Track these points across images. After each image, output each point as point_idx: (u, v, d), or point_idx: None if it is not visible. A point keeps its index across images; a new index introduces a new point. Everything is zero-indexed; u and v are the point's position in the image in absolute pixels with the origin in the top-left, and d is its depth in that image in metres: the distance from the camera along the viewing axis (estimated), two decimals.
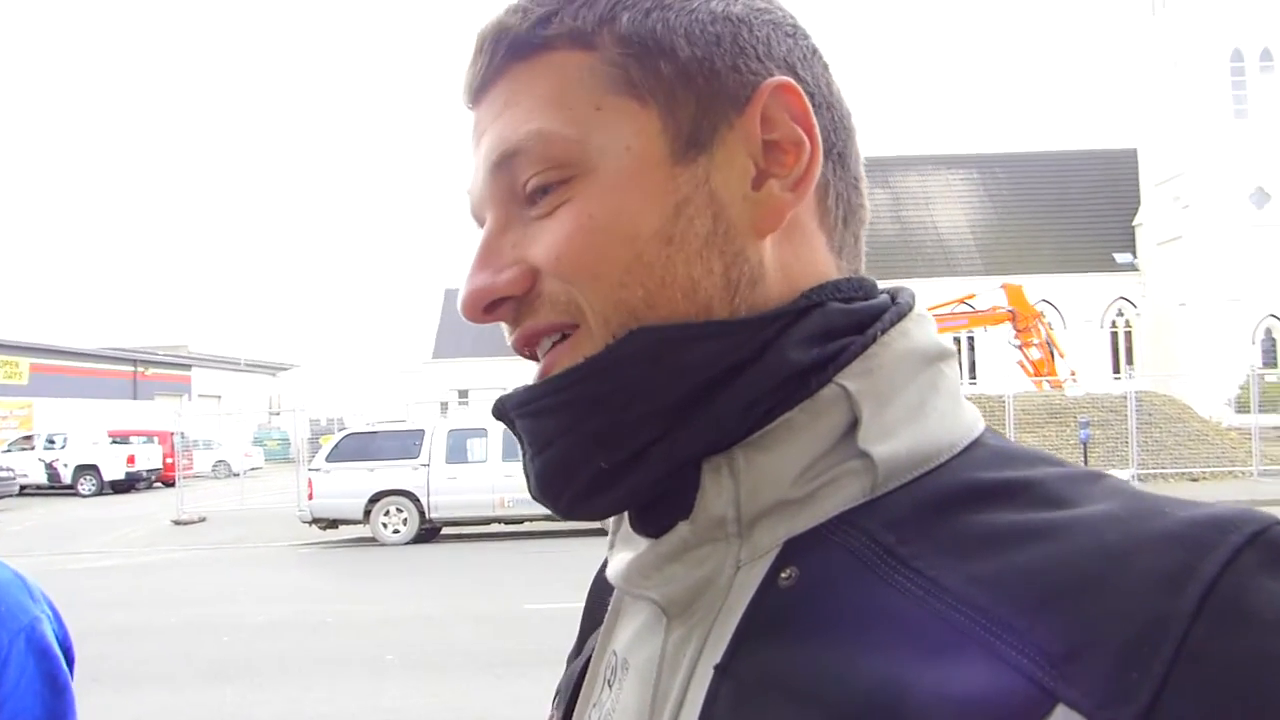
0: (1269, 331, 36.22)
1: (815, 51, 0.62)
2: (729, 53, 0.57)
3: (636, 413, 0.54)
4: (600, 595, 0.67)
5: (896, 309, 0.58)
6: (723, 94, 0.57)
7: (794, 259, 0.58)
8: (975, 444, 0.55)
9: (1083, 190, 43.79)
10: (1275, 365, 34.62)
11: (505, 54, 0.59)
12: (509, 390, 0.60)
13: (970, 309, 26.29)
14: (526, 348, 0.60)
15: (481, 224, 0.61)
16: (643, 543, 0.58)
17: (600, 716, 0.60)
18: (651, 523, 0.58)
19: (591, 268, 0.55)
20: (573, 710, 0.64)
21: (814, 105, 0.58)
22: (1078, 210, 43.14)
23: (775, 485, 0.53)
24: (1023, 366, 26.32)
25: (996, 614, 0.43)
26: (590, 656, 0.64)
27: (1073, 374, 26.24)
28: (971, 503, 0.49)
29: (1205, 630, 0.39)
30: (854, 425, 0.53)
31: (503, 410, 0.60)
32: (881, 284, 0.62)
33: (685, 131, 0.56)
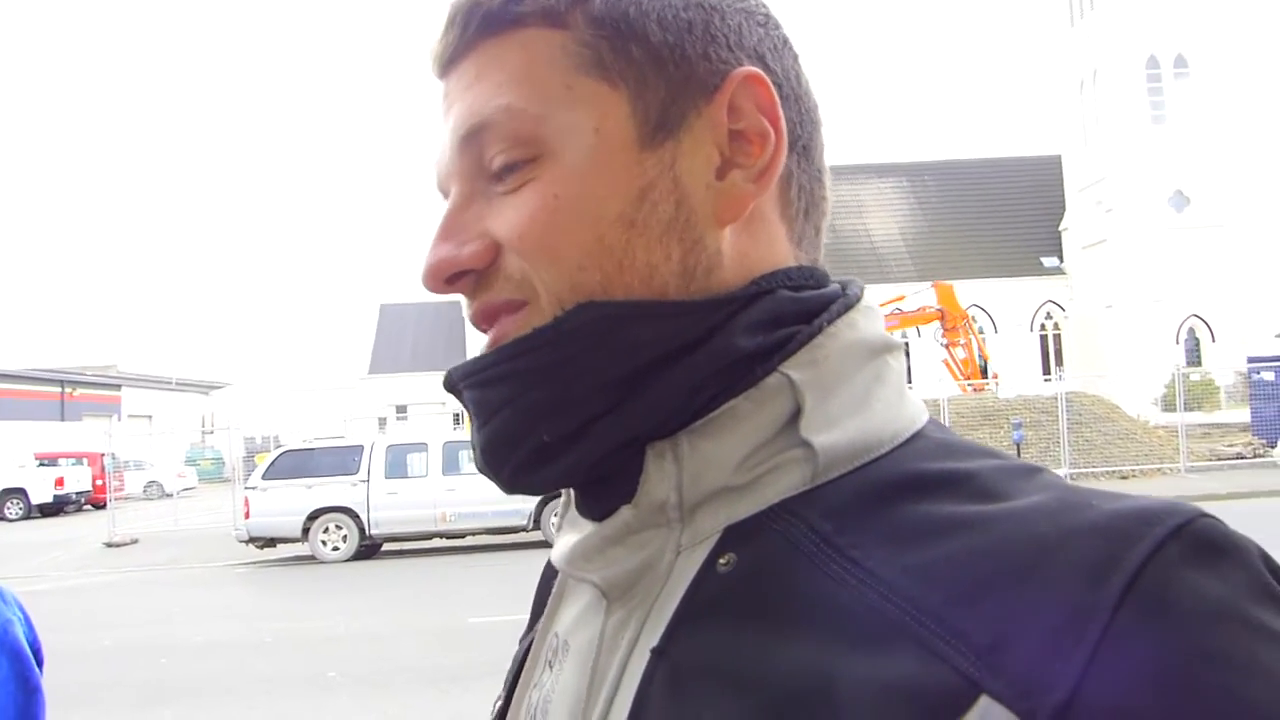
0: (1192, 331, 37.14)
1: (786, 42, 0.62)
2: (700, 40, 0.57)
3: (581, 387, 0.54)
4: (549, 579, 0.67)
5: (844, 300, 0.58)
6: (692, 80, 0.57)
7: (752, 248, 0.58)
8: (918, 435, 0.56)
9: (1010, 196, 44.60)
10: (1199, 364, 35.48)
11: (477, 27, 0.58)
12: (459, 363, 0.60)
13: (900, 311, 26.62)
14: (484, 322, 0.60)
15: (447, 196, 0.61)
16: (588, 526, 0.59)
17: (540, 697, 0.61)
18: (596, 506, 0.58)
19: (553, 248, 0.55)
20: (515, 691, 0.65)
21: (781, 97, 0.58)
22: (1006, 216, 43.92)
23: (718, 472, 0.54)
24: (948, 366, 26.63)
25: (926, 604, 0.44)
26: (534, 638, 0.65)
27: (994, 376, 26.59)
28: (909, 493, 0.50)
29: (1126, 621, 0.40)
30: (797, 414, 0.53)
31: (452, 382, 0.60)
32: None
33: (654, 116, 0.56)
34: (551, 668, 0.61)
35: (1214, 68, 36.47)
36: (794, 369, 0.54)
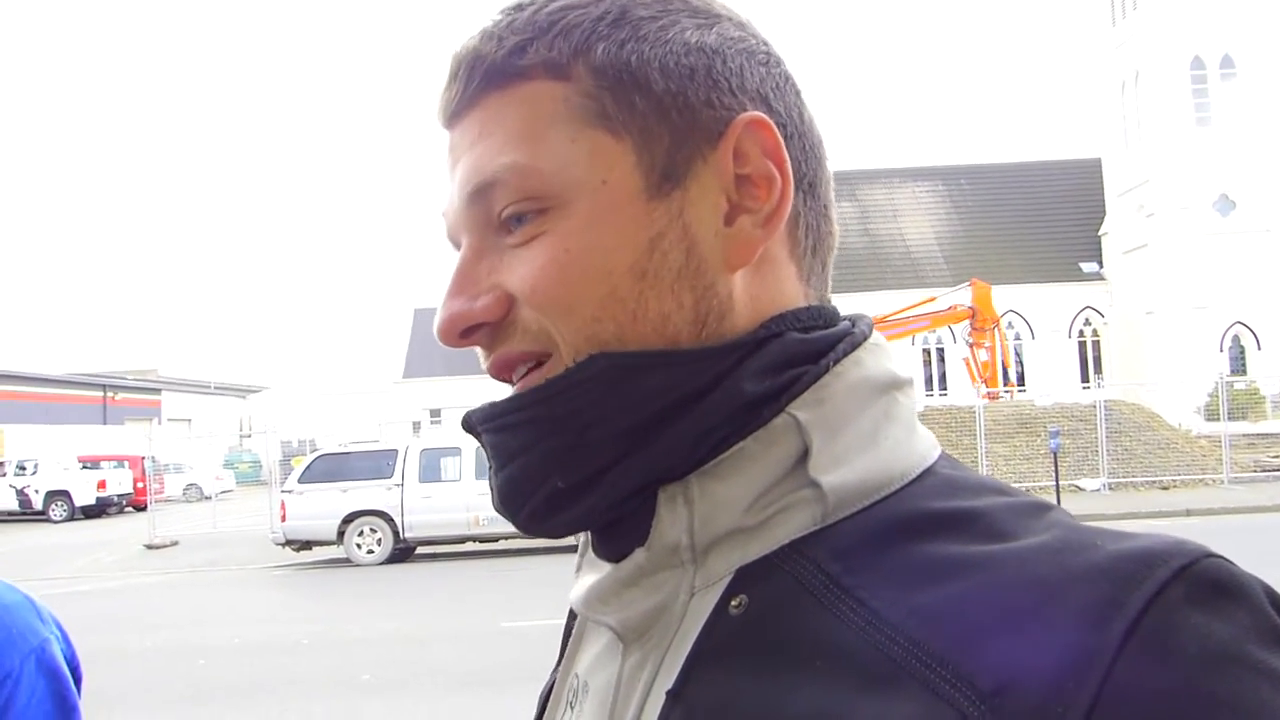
0: (1237, 339, 36.49)
1: (788, 79, 0.62)
2: (703, 86, 0.57)
3: (593, 435, 0.55)
4: (575, 617, 0.68)
5: (851, 339, 0.58)
6: (696, 128, 0.57)
7: (763, 291, 0.58)
8: (928, 472, 0.56)
9: (1048, 201, 44.09)
10: (1244, 372, 34.86)
11: (480, 82, 0.58)
12: (477, 405, 0.61)
13: (931, 312, 26.30)
14: (503, 373, 0.60)
15: (458, 246, 0.61)
16: (605, 568, 0.59)
17: None
18: (611, 548, 0.59)
19: (566, 302, 0.56)
20: None
21: (785, 137, 0.58)
22: (1043, 220, 43.43)
23: (728, 513, 0.54)
24: (968, 365, 26.25)
25: (931, 647, 0.44)
26: (556, 678, 0.66)
27: (1011, 385, 26.03)
28: (917, 533, 0.50)
29: (1129, 664, 0.40)
30: (806, 454, 0.54)
31: (470, 424, 0.61)
32: (843, 309, 0.62)
33: (659, 165, 0.56)
34: (572, 708, 0.62)
35: (1262, 68, 35.77)
36: (800, 409, 0.55)
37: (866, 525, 0.52)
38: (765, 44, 0.62)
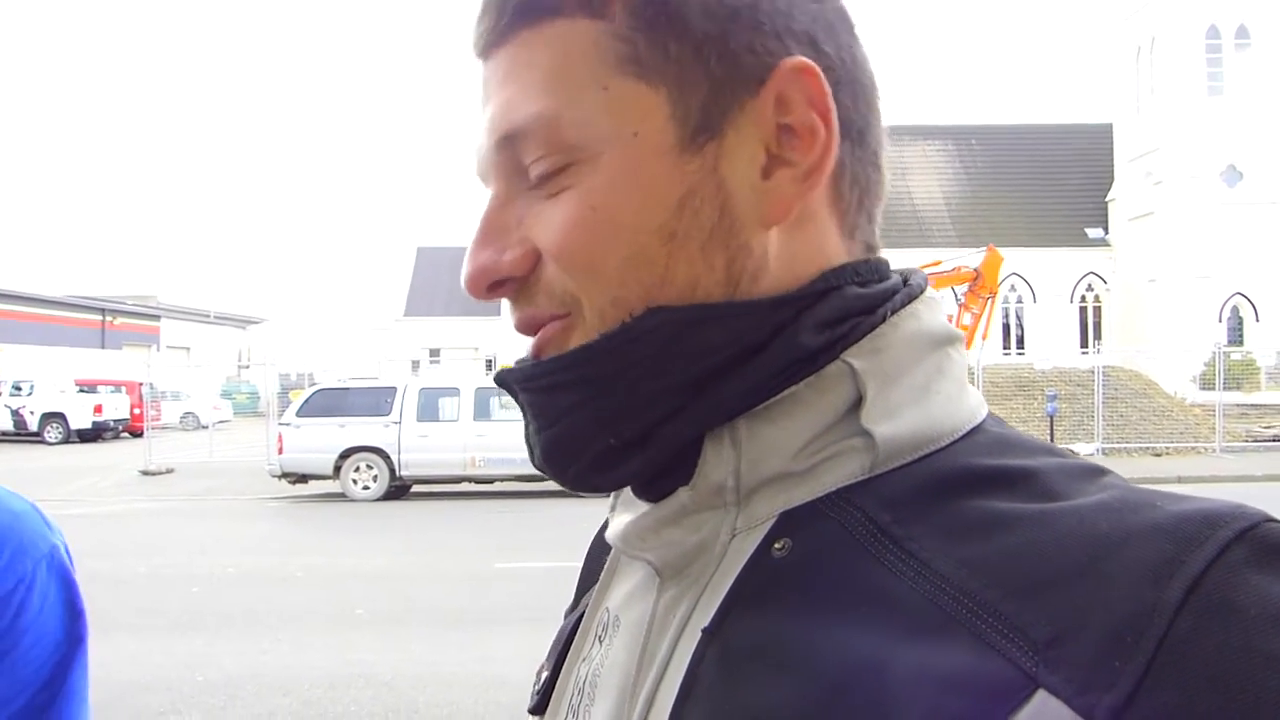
0: (1235, 309, 36.55)
1: (843, 16, 0.58)
2: (746, 29, 0.54)
3: (648, 391, 0.54)
4: (599, 554, 0.67)
5: (907, 291, 0.57)
6: (737, 75, 0.54)
7: (801, 248, 0.56)
8: (977, 429, 0.55)
9: (1057, 164, 43.91)
10: (1241, 343, 34.92)
11: (513, 16, 0.56)
12: (513, 364, 0.59)
13: (937, 273, 26.19)
14: (528, 330, 0.58)
15: (487, 184, 0.59)
16: (643, 505, 0.58)
17: (589, 670, 0.61)
18: (653, 487, 0.58)
19: (591, 263, 0.54)
20: (564, 663, 0.65)
21: (835, 82, 0.55)
22: (1051, 184, 43.26)
23: (776, 457, 0.53)
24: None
25: (984, 598, 0.44)
26: (584, 612, 0.65)
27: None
28: (968, 488, 0.49)
29: (1189, 623, 0.39)
30: (858, 403, 0.53)
31: (506, 383, 0.59)
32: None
33: (695, 116, 0.53)
34: (601, 641, 0.61)
35: (1277, 41, 35.48)
36: (856, 357, 0.53)
37: (916, 478, 0.51)
38: None
